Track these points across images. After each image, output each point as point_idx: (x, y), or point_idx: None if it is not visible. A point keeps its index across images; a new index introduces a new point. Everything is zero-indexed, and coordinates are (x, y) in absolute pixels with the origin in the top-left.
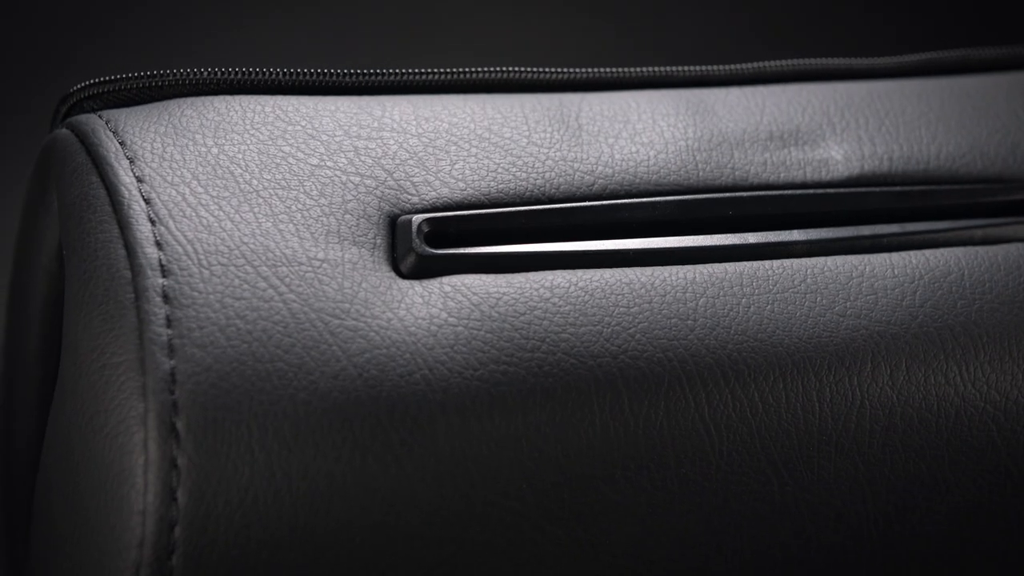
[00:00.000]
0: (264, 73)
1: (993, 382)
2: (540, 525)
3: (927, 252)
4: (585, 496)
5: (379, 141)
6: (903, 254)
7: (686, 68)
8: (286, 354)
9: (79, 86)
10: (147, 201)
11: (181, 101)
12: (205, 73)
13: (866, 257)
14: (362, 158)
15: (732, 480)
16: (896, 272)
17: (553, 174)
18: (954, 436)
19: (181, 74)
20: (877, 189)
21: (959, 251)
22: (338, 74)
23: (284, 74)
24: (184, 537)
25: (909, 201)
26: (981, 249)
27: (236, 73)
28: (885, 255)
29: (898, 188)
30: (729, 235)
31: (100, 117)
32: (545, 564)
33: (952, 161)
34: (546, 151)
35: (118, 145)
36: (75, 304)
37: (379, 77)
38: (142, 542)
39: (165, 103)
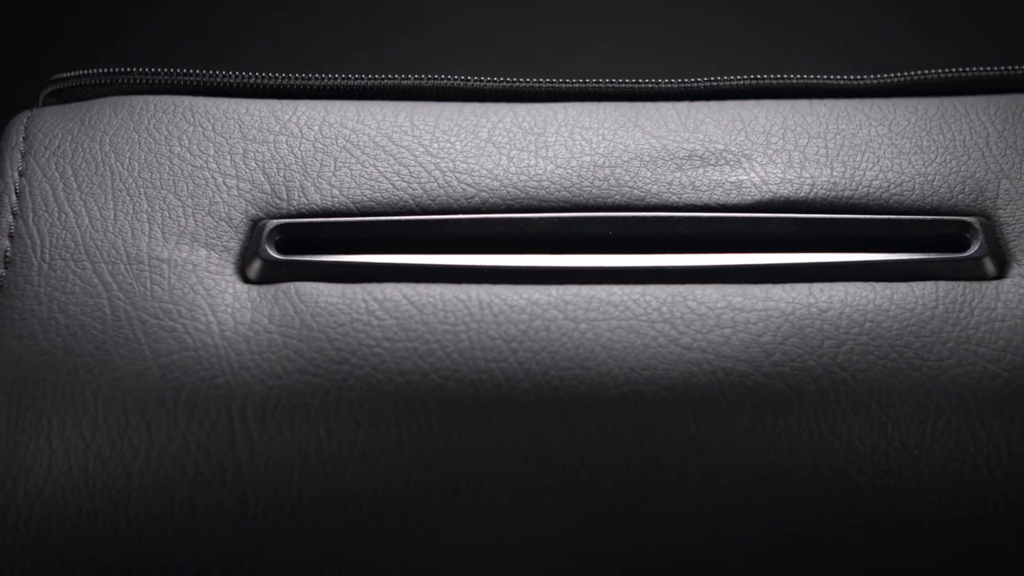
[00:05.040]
0: (191, 75)
1: (856, 431)
2: (356, 542)
3: (815, 285)
4: (402, 518)
5: (271, 144)
6: (786, 286)
7: (636, 81)
8: (97, 350)
9: (50, 79)
10: (18, 194)
11: (107, 100)
12: (136, 73)
13: (742, 288)
14: (247, 161)
15: (564, 513)
16: (766, 305)
17: (435, 185)
18: (814, 486)
19: (115, 74)
20: (777, 215)
21: (852, 287)
22: (264, 77)
23: (209, 76)
24: None
25: (813, 230)
26: (880, 286)
27: (163, 74)
28: (765, 287)
29: (803, 216)
30: (600, 256)
31: (31, 112)
32: None
33: (884, 190)
34: (437, 161)
35: (20, 140)
36: None
37: (306, 81)
38: None
39: (95, 101)
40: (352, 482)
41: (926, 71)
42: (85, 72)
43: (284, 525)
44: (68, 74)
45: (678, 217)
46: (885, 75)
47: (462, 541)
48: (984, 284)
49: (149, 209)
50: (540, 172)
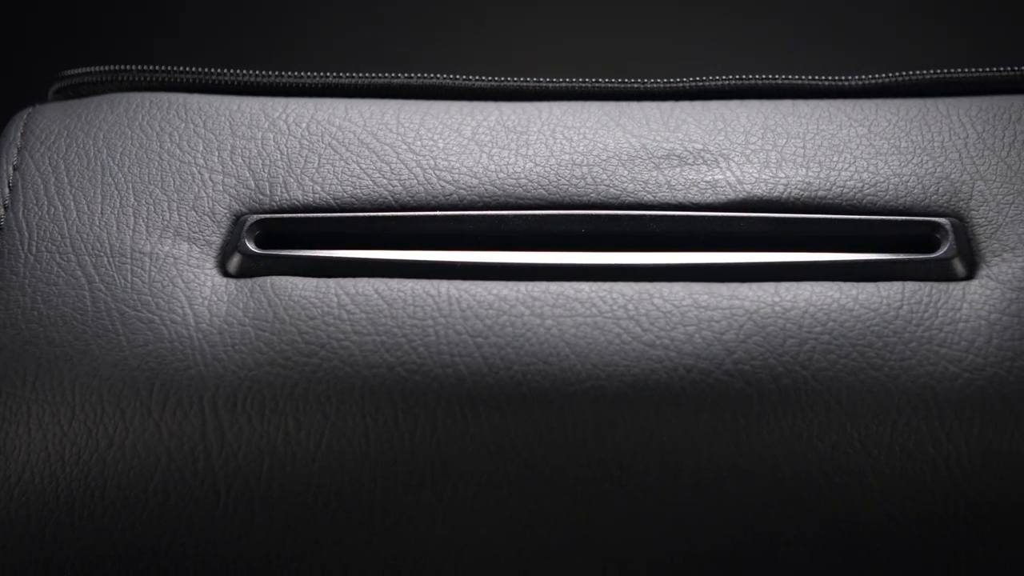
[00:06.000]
0: (188, 72)
1: (816, 430)
2: (326, 533)
3: (782, 285)
4: (369, 510)
5: (258, 141)
6: (753, 285)
7: (623, 81)
8: (76, 340)
9: (57, 76)
10: (11, 188)
11: (105, 97)
12: (135, 71)
13: (709, 286)
14: (234, 157)
15: (528, 507)
16: (731, 304)
17: (415, 182)
18: (775, 486)
19: (116, 71)
20: (750, 215)
21: (819, 286)
22: (258, 75)
23: (204, 73)
24: None
25: (785, 229)
26: (846, 286)
27: (160, 72)
28: (732, 285)
29: (776, 215)
30: (572, 253)
31: (32, 109)
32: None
33: (858, 190)
34: (419, 159)
35: (18, 135)
36: None
37: (298, 79)
38: None
39: (94, 98)
40: (320, 473)
41: (912, 72)
42: (89, 69)
43: (256, 515)
44: (74, 71)
45: (651, 215)
46: (871, 76)
47: (429, 534)
48: (952, 285)
49: (135, 203)
50: (518, 170)
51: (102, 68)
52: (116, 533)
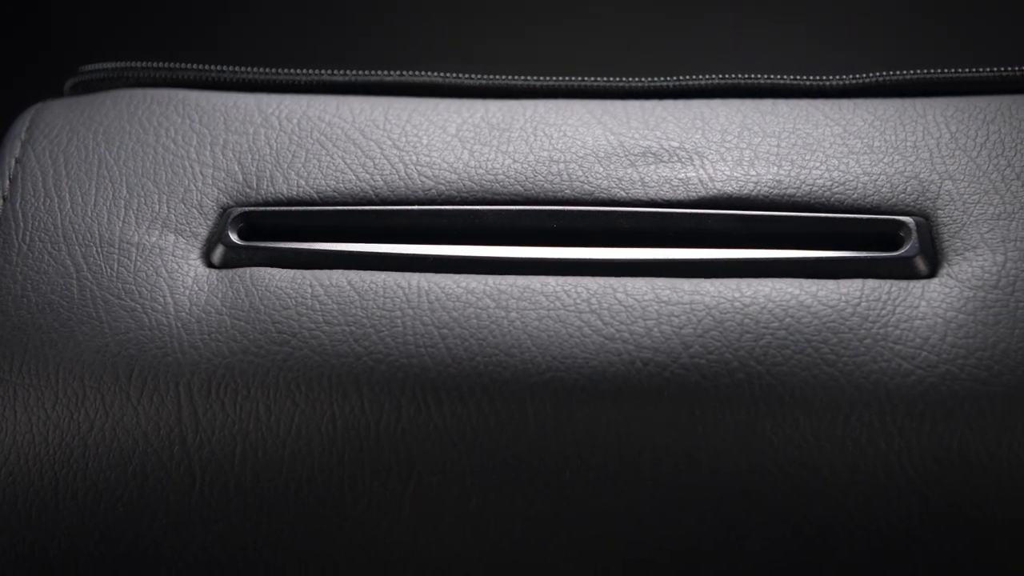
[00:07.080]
0: (189, 70)
1: (770, 424)
2: (299, 518)
3: (744, 281)
4: (339, 497)
5: (250, 136)
6: (716, 281)
7: (608, 80)
8: (62, 327)
9: (74, 72)
10: (11, 180)
11: (110, 93)
12: (140, 68)
13: (672, 281)
14: (225, 151)
15: (491, 498)
16: (692, 299)
17: (395, 177)
18: (732, 482)
19: (122, 68)
20: (719, 212)
21: (779, 283)
22: (256, 72)
23: (205, 71)
24: None
25: (753, 227)
26: (807, 282)
27: (163, 69)
28: (695, 281)
29: (744, 212)
30: (544, 248)
31: (41, 104)
32: (317, 560)
33: (827, 188)
34: (401, 155)
35: (24, 129)
36: None
37: (293, 77)
38: None
39: (99, 94)
40: (291, 459)
41: (893, 72)
42: (100, 66)
43: (231, 499)
44: (88, 67)
45: (621, 212)
46: (852, 76)
47: (396, 522)
48: (912, 283)
49: (127, 196)
50: (497, 166)
51: (111, 65)
52: (98, 515)
